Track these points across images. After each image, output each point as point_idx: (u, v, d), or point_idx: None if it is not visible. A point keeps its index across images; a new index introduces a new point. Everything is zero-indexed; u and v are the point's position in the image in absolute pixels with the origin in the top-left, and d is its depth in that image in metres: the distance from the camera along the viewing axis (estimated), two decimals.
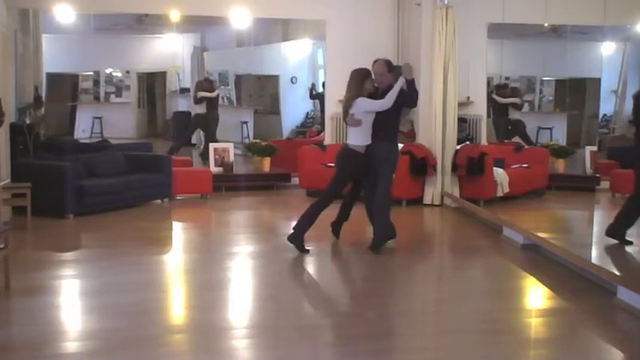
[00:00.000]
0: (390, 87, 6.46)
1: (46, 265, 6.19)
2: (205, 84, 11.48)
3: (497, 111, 11.37)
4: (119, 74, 12.43)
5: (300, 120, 12.79)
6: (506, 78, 11.84)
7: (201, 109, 11.31)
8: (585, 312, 5.08)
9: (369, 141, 6.47)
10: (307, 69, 12.99)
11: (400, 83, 6.46)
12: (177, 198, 9.44)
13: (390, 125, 6.56)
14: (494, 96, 11.25)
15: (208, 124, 11.35)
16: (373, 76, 6.55)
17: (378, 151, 6.47)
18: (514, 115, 11.57)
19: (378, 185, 6.52)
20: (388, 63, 6.62)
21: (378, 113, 6.41)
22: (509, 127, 11.56)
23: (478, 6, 9.65)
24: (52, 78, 11.38)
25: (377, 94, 6.51)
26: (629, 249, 6.62)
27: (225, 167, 10.35)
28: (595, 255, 6.63)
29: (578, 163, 11.04)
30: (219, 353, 4.24)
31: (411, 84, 6.56)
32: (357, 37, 10.42)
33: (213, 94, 11.46)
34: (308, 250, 6.47)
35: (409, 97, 6.56)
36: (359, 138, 6.49)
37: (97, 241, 7.49)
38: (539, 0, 10.05)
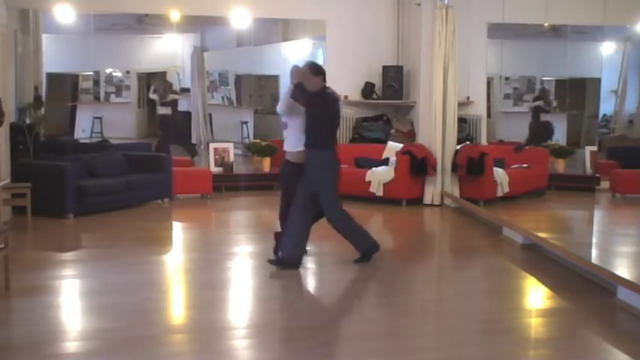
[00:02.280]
0: (319, 90, 5.92)
1: (46, 265, 6.19)
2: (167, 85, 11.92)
3: (532, 114, 11.67)
4: (119, 74, 12.43)
5: None
6: (507, 78, 11.85)
7: (167, 110, 11.63)
8: (585, 312, 5.08)
9: (298, 147, 5.93)
10: None
11: (288, 88, 5.96)
12: (177, 198, 9.44)
13: (314, 132, 5.86)
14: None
15: (174, 124, 11.76)
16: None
17: (307, 158, 5.93)
18: (544, 117, 11.61)
19: (319, 197, 5.96)
20: (311, 66, 6.05)
21: (305, 119, 5.89)
22: (540, 130, 11.61)
23: (478, 6, 9.65)
24: (52, 78, 11.38)
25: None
26: (628, 249, 6.63)
27: (225, 167, 10.36)
28: (595, 255, 6.63)
29: (578, 163, 11.05)
30: (219, 353, 4.24)
31: (295, 89, 5.87)
32: (357, 37, 10.43)
33: (180, 97, 11.86)
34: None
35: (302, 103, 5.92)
36: (287, 142, 6.15)
37: (97, 241, 7.49)
38: (539, 0, 10.06)
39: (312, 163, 5.89)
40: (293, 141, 6.00)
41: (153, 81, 12.15)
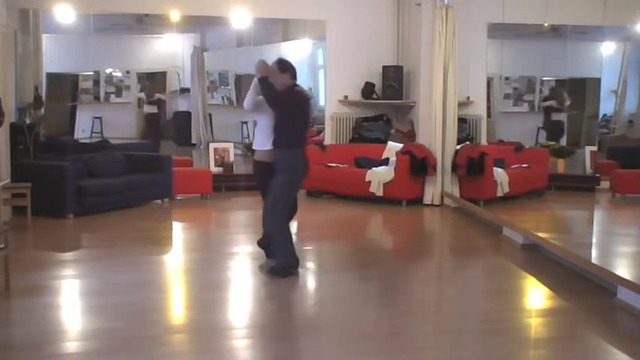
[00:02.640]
0: (287, 88, 5.75)
1: (46, 265, 6.19)
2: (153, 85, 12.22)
3: (544, 114, 11.78)
4: (119, 74, 12.43)
5: None
6: (507, 78, 11.86)
7: (153, 109, 11.86)
8: (585, 312, 5.08)
9: (266, 145, 5.80)
10: (307, 69, 12.98)
11: (253, 83, 5.83)
12: (178, 198, 9.45)
13: (283, 128, 5.71)
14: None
15: (157, 123, 12.01)
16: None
17: (275, 158, 5.77)
18: (555, 116, 11.61)
19: (270, 192, 5.77)
20: (278, 62, 5.78)
21: (274, 117, 5.76)
22: (554, 128, 11.63)
23: (478, 6, 9.65)
24: (52, 78, 11.37)
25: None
26: (628, 249, 6.63)
27: (225, 167, 10.36)
28: (595, 255, 6.64)
29: (578, 163, 11.05)
30: (219, 353, 4.24)
31: (261, 83, 5.71)
32: (357, 37, 10.44)
33: (165, 97, 12.11)
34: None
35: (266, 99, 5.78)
36: (255, 141, 6.06)
37: (97, 241, 7.49)
38: (539, 0, 10.06)
39: (279, 162, 5.70)
40: (261, 139, 5.86)
41: (140, 80, 12.39)
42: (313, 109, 6.17)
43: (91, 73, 12.36)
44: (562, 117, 11.71)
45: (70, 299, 5.36)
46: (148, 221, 8.29)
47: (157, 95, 12.04)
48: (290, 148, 5.70)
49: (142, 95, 12.06)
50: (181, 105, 12.40)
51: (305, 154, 5.82)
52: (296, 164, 5.74)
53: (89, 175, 8.61)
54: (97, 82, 12.39)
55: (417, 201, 9.24)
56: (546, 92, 12.12)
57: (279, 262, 5.77)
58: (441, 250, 7.73)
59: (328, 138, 10.67)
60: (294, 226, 8.62)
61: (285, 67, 5.78)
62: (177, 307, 5.26)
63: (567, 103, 11.60)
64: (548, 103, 11.70)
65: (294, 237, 7.99)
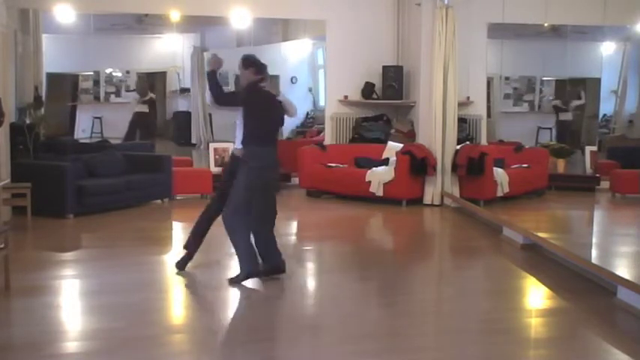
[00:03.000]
0: (250, 85, 5.57)
1: (46, 265, 6.19)
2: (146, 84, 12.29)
3: (555, 113, 11.79)
4: (119, 74, 12.43)
5: (300, 120, 12.79)
6: (507, 78, 11.86)
7: (143, 108, 11.88)
8: (585, 312, 5.08)
9: (237, 143, 5.67)
10: (307, 69, 13.00)
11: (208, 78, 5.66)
12: (177, 198, 9.44)
13: (247, 126, 5.52)
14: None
15: (150, 122, 12.09)
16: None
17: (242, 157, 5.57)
18: (563, 116, 11.62)
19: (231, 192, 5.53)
20: (243, 58, 5.60)
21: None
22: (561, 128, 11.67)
23: (478, 6, 9.65)
24: (52, 78, 11.37)
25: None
26: (628, 249, 6.63)
27: (225, 167, 10.35)
28: (595, 255, 6.63)
29: (578, 163, 11.05)
30: (219, 353, 4.24)
31: (208, 76, 5.56)
32: (357, 37, 10.43)
33: (154, 97, 12.21)
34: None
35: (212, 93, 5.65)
36: (236, 140, 5.80)
37: (97, 241, 7.49)
38: (539, 0, 10.06)
39: (242, 161, 5.48)
40: (238, 138, 5.67)
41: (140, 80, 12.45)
42: (291, 109, 5.73)
43: (91, 73, 12.37)
44: (568, 117, 11.70)
45: (70, 299, 5.36)
46: (148, 221, 8.29)
47: (150, 95, 12.09)
48: (253, 146, 5.44)
49: (135, 95, 12.05)
50: (181, 105, 12.40)
51: (271, 153, 5.52)
52: (258, 163, 5.41)
53: (89, 175, 8.61)
54: (97, 82, 12.39)
55: (417, 201, 9.24)
56: (546, 92, 12.14)
57: (241, 272, 5.45)
58: (441, 250, 7.73)
59: (328, 138, 10.67)
60: (293, 226, 8.65)
61: (247, 62, 5.57)
62: (177, 307, 5.26)
63: (573, 103, 11.58)
64: (555, 102, 11.69)
65: (293, 237, 8.04)
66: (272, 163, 5.56)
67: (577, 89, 11.72)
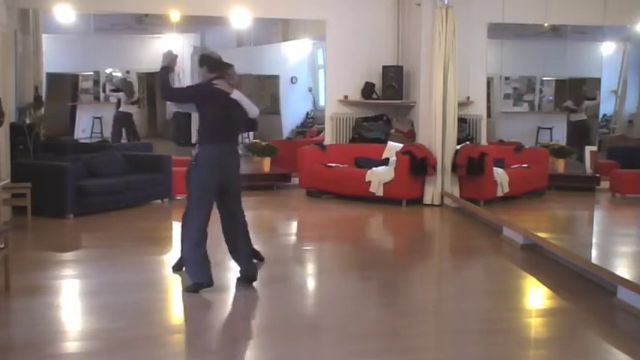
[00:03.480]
0: (205, 82, 5.49)
1: (46, 265, 6.19)
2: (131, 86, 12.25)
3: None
4: (119, 74, 12.43)
5: (300, 120, 12.80)
6: (507, 78, 11.86)
7: (129, 108, 11.91)
8: (585, 312, 5.08)
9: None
10: (307, 69, 12.99)
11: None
12: (177, 198, 9.43)
13: (200, 124, 5.42)
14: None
15: (133, 122, 12.01)
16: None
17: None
18: (575, 117, 11.60)
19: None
20: (199, 56, 5.60)
21: None
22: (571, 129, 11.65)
23: (478, 6, 9.65)
24: (52, 78, 11.37)
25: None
26: (628, 249, 6.62)
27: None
28: (595, 255, 6.64)
29: (578, 163, 11.05)
30: (219, 353, 4.24)
31: (160, 72, 5.41)
32: (357, 37, 10.44)
33: (141, 97, 12.29)
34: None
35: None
36: None
37: (97, 241, 7.49)
38: (539, 0, 10.06)
39: (194, 159, 5.40)
40: None
41: (115, 81, 12.42)
42: (250, 108, 5.51)
43: (91, 73, 12.37)
44: (581, 117, 11.66)
45: (70, 299, 5.36)
46: (148, 221, 8.29)
47: (137, 95, 12.09)
48: (205, 145, 5.31)
49: (122, 95, 11.94)
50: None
51: (224, 152, 5.36)
52: (209, 162, 5.27)
53: (89, 175, 8.61)
54: (97, 82, 12.39)
55: (417, 201, 9.24)
56: (546, 92, 12.13)
57: (192, 281, 5.28)
58: (441, 250, 7.73)
59: (328, 138, 10.68)
60: (293, 226, 8.66)
61: (201, 60, 5.54)
62: (177, 307, 5.25)
63: (584, 104, 11.53)
64: (566, 103, 11.68)
65: (293, 237, 8.05)
66: (226, 162, 5.38)
67: (592, 89, 11.70)
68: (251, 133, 11.95)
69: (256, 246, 6.76)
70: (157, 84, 5.64)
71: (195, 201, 5.33)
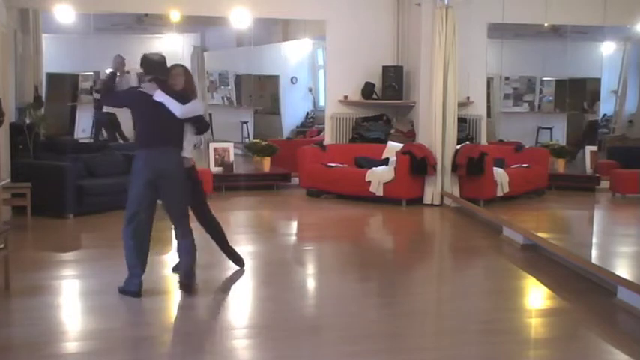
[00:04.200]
0: (130, 87, 5.45)
1: (46, 265, 6.19)
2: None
3: None
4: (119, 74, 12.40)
5: (300, 120, 12.80)
6: (506, 78, 11.85)
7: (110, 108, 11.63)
8: (585, 312, 5.08)
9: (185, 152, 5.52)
10: (307, 69, 12.99)
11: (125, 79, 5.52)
12: None
13: (136, 131, 5.43)
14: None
15: (117, 123, 11.60)
16: None
17: None
18: (590, 117, 11.59)
19: None
20: (141, 57, 5.40)
21: None
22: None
23: (478, 6, 9.65)
24: (52, 78, 11.37)
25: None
26: (628, 249, 6.62)
27: (225, 167, 10.36)
28: (595, 255, 6.63)
29: (578, 163, 11.04)
30: (219, 353, 4.24)
31: (107, 76, 5.38)
32: (357, 37, 10.44)
33: None
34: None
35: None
36: None
37: (97, 241, 7.49)
38: (539, 0, 10.05)
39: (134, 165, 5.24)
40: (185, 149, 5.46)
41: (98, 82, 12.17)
42: (176, 109, 5.17)
43: (91, 73, 12.35)
44: (593, 118, 11.65)
45: (70, 299, 5.36)
46: None
47: None
48: (139, 149, 5.18)
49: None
50: None
51: (156, 157, 5.10)
52: (138, 169, 5.12)
53: (89, 175, 8.61)
54: (97, 82, 12.37)
55: (417, 201, 9.24)
56: (546, 92, 12.12)
57: (125, 283, 5.20)
58: (441, 250, 7.73)
59: (328, 138, 10.68)
60: (293, 226, 8.66)
61: (140, 62, 5.36)
62: (177, 307, 5.25)
63: (596, 105, 11.52)
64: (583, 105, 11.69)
65: (293, 237, 8.05)
66: (159, 166, 5.10)
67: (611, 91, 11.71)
68: (251, 133, 11.97)
69: (256, 246, 6.79)
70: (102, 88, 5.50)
71: (129, 209, 5.16)
